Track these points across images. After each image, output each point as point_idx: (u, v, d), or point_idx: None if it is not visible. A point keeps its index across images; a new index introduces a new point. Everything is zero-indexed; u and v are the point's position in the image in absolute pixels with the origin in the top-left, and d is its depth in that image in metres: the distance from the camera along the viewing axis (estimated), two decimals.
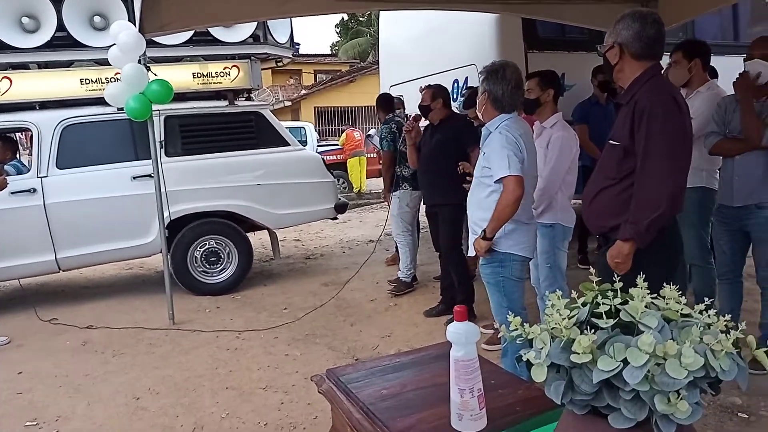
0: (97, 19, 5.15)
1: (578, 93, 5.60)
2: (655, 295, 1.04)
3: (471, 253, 2.93)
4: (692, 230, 3.34)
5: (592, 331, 0.97)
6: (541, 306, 3.48)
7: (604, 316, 0.98)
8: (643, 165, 2.08)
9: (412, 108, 5.69)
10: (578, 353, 0.93)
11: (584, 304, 1.05)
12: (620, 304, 1.01)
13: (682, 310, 0.99)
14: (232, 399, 3.22)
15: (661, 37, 2.17)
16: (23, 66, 5.16)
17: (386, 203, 5.28)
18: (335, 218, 6.18)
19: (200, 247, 5.28)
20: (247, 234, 5.55)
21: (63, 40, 5.05)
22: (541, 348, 1.00)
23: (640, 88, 2.14)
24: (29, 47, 4.99)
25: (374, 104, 5.59)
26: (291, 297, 5.19)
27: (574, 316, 1.01)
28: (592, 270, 1.19)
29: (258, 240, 6.51)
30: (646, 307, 0.97)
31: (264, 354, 3.87)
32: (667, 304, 1.01)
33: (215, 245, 5.34)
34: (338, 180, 11.42)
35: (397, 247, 5.89)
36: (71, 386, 3.51)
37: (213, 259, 5.34)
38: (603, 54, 2.28)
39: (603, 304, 1.00)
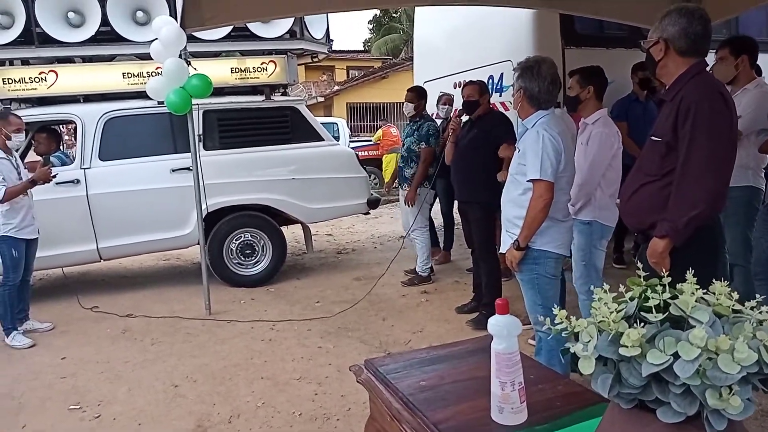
0: (139, 14, 5.27)
1: (617, 90, 5.48)
2: (704, 290, 1.03)
3: (503, 249, 2.92)
4: (737, 229, 3.26)
5: (641, 324, 0.96)
6: (582, 306, 3.44)
7: (653, 310, 0.98)
8: (685, 162, 2.04)
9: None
10: (627, 346, 0.93)
11: (632, 299, 1.04)
12: (670, 298, 1.00)
13: (733, 305, 0.98)
14: (267, 389, 3.28)
15: (708, 34, 2.13)
16: (68, 60, 5.32)
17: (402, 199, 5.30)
18: (367, 213, 6.22)
19: (236, 240, 5.38)
20: (281, 228, 5.62)
21: (107, 34, 5.19)
22: (588, 341, 1.00)
23: (686, 85, 2.10)
24: (75, 41, 5.14)
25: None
26: (323, 290, 5.24)
27: (622, 309, 1.01)
28: (639, 265, 1.18)
29: (291, 234, 6.58)
30: (696, 301, 0.96)
31: (298, 345, 3.92)
32: (717, 299, 1.00)
33: (250, 238, 5.43)
34: (370, 176, 11.45)
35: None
36: (112, 372, 3.62)
37: (248, 251, 5.43)
38: (647, 49, 2.24)
39: (652, 298, 1.00)
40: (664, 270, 2.04)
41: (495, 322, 1.37)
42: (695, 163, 2.03)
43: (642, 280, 1.08)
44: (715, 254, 2.25)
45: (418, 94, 5.29)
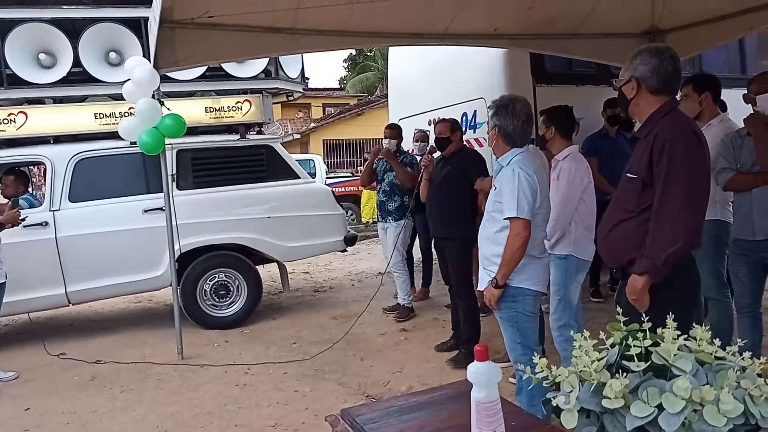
0: (112, 55, 5.24)
1: (586, 126, 5.60)
2: (685, 335, 1.01)
3: (481, 287, 2.90)
4: (708, 264, 3.29)
5: (623, 374, 0.94)
6: (557, 342, 3.41)
7: (635, 358, 0.95)
8: (663, 198, 2.06)
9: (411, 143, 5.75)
10: (610, 398, 0.90)
11: (612, 346, 1.02)
12: (651, 345, 0.98)
13: (715, 352, 0.96)
14: None
15: (678, 72, 2.18)
16: (39, 101, 5.25)
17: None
18: (344, 251, 6.17)
19: (210, 280, 5.26)
20: (257, 267, 5.53)
21: (79, 75, 5.14)
22: (570, 392, 0.97)
23: (659, 122, 2.13)
24: (46, 83, 5.08)
25: (382, 137, 5.56)
26: (300, 331, 5.13)
27: (604, 358, 0.98)
28: (618, 309, 1.16)
29: (267, 273, 6.48)
30: (678, 349, 0.94)
31: (273, 390, 3.81)
32: (699, 345, 0.98)
33: (224, 278, 5.32)
34: (347, 212, 11.44)
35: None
36: (78, 423, 3.46)
37: (222, 292, 5.32)
38: (618, 88, 2.28)
39: (634, 345, 0.97)
40: (643, 307, 2.07)
41: (475, 370, 1.33)
42: (672, 199, 2.05)
43: (622, 325, 1.06)
44: (693, 290, 2.26)
45: (399, 131, 5.47)
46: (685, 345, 0.98)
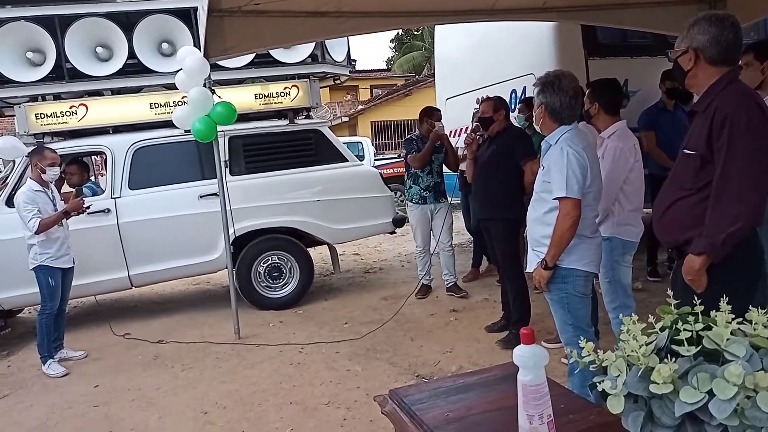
0: (164, 45, 5.40)
1: (643, 99, 5.40)
2: (740, 318, 0.97)
3: (530, 268, 2.86)
4: None
5: (673, 359, 0.91)
6: (613, 324, 3.34)
7: (685, 342, 0.93)
8: (723, 176, 1.96)
9: (467, 120, 5.65)
10: (658, 383, 0.88)
11: (662, 329, 0.99)
12: (702, 329, 0.95)
13: None
14: (296, 414, 3.26)
15: (739, 42, 2.06)
16: (98, 93, 5.47)
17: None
18: (393, 232, 6.20)
19: (263, 263, 5.41)
20: (308, 249, 5.63)
21: (134, 67, 5.33)
22: (617, 376, 0.95)
23: (718, 95, 2.03)
24: (103, 75, 5.29)
25: (417, 120, 5.55)
26: (351, 311, 5.22)
27: (652, 342, 0.96)
28: (669, 292, 1.12)
29: (318, 255, 6.60)
30: (731, 333, 0.91)
31: (326, 369, 3.90)
32: (755, 329, 0.94)
33: (278, 260, 5.45)
34: (395, 193, 11.45)
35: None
36: (144, 400, 3.65)
37: (276, 274, 5.45)
38: (674, 59, 2.17)
39: (684, 330, 0.95)
40: (700, 288, 2.00)
41: (521, 353, 1.32)
42: (734, 176, 1.95)
43: (673, 308, 1.03)
44: (755, 269, 2.15)
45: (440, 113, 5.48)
46: (739, 329, 0.94)
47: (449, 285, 5.47)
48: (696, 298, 1.09)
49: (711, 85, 2.08)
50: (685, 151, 2.15)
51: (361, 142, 14.65)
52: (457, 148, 5.51)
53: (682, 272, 2.09)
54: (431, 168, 5.30)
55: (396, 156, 14.61)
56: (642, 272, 5.04)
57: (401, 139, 18.73)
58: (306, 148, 5.67)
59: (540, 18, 5.05)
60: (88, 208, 4.51)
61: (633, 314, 1.07)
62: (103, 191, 5.30)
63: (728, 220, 1.95)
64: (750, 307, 1.00)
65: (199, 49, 4.40)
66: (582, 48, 5.67)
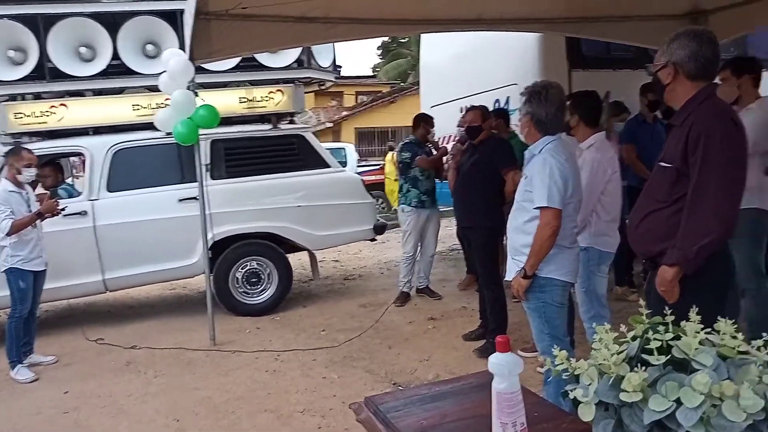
0: (149, 47, 5.35)
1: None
2: (709, 329, 0.98)
3: (509, 277, 2.87)
4: (744, 253, 3.17)
5: (643, 368, 0.91)
6: (588, 334, 3.36)
7: (655, 352, 0.93)
8: (697, 189, 1.99)
9: (449, 128, 5.69)
10: (628, 391, 0.88)
11: (634, 339, 1.00)
12: (672, 339, 0.96)
13: (739, 346, 0.93)
14: (270, 422, 3.22)
15: (717, 57, 2.09)
16: (79, 93, 5.39)
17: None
18: (374, 240, 6.19)
19: (242, 268, 5.35)
20: (287, 255, 5.59)
21: (117, 67, 5.26)
22: (589, 384, 0.95)
23: (695, 109, 2.06)
24: (85, 75, 5.22)
25: (411, 126, 5.63)
26: (329, 318, 5.18)
27: (623, 351, 0.96)
28: (641, 302, 1.13)
29: (297, 261, 6.56)
30: (700, 343, 0.91)
31: (302, 376, 3.86)
32: (722, 339, 0.95)
33: (256, 266, 5.40)
34: (377, 200, 11.44)
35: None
36: (114, 406, 3.58)
37: (254, 279, 5.40)
38: (654, 73, 2.20)
39: (654, 339, 0.95)
40: (672, 299, 2.02)
41: (496, 361, 1.32)
42: (707, 190, 1.98)
43: (645, 317, 1.04)
44: (725, 281, 2.19)
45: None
46: (707, 339, 0.95)
47: (421, 287, 5.57)
48: (668, 309, 1.10)
49: (688, 99, 2.11)
50: (661, 163, 2.18)
51: (344, 148, 14.62)
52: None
53: (655, 283, 2.11)
54: (429, 173, 5.34)
55: (380, 163, 14.61)
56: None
57: (384, 145, 18.76)
58: (288, 153, 5.65)
59: (525, 29, 5.11)
60: (63, 210, 4.42)
61: (606, 323, 1.07)
62: (80, 193, 5.22)
63: (701, 233, 1.98)
64: (718, 318, 1.01)
65: (185, 52, 4.36)
66: (566, 59, 5.74)
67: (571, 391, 0.97)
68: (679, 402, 0.84)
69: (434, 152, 5.36)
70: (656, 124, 4.92)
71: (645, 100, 4.96)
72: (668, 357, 0.92)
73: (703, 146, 1.98)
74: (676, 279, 2.03)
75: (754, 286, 3.27)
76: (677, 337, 0.95)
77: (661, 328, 0.99)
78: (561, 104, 2.75)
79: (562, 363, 1.04)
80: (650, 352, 0.94)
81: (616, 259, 3.56)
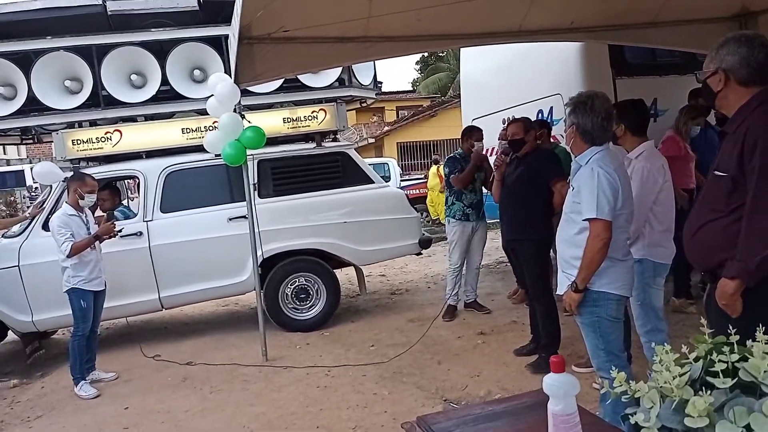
0: (197, 72, 5.56)
1: (672, 117, 5.32)
2: None
3: (560, 291, 2.81)
4: None
5: (708, 391, 0.89)
6: (645, 348, 3.26)
7: (720, 374, 0.90)
8: (756, 197, 1.92)
9: (492, 141, 5.64)
10: (693, 417, 0.85)
11: (696, 360, 0.97)
12: (738, 360, 0.92)
13: None
14: None
15: None
16: (132, 119, 5.63)
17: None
18: (419, 254, 6.19)
19: (291, 284, 5.43)
20: (335, 270, 5.65)
21: (166, 93, 5.49)
22: (650, 408, 0.93)
23: (750, 115, 1.99)
24: (137, 102, 5.46)
25: (457, 137, 5.67)
26: (378, 333, 5.20)
27: (686, 373, 0.93)
28: (698, 314, 1.10)
29: (345, 276, 6.61)
30: None
31: (353, 392, 3.88)
32: None
33: (305, 282, 5.48)
34: (421, 214, 11.44)
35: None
36: (173, 422, 3.68)
37: (303, 295, 5.48)
38: (703, 80, 2.15)
39: (719, 361, 0.92)
40: (735, 313, 1.95)
41: (551, 382, 1.30)
42: (766, 199, 1.91)
43: (707, 337, 1.01)
44: None
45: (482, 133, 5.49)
46: None
47: (469, 301, 5.55)
48: (731, 324, 1.06)
49: (741, 106, 2.05)
50: (716, 172, 2.11)
51: (387, 163, 14.73)
52: None
53: (715, 296, 2.04)
54: (474, 186, 5.32)
55: (422, 177, 14.63)
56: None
57: (427, 159, 18.80)
58: (332, 171, 5.73)
59: (567, 38, 5.05)
60: (119, 231, 4.61)
61: (666, 342, 1.05)
62: (135, 215, 5.42)
63: (762, 243, 1.90)
64: None
65: (230, 76, 4.51)
66: (609, 67, 5.63)
67: (632, 415, 0.95)
68: (749, 428, 0.82)
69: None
70: (708, 130, 4.76)
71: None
72: (735, 380, 0.89)
73: (761, 153, 1.91)
74: (737, 292, 1.96)
75: None
76: (744, 358, 0.92)
77: (725, 348, 0.96)
78: (607, 114, 2.69)
79: (621, 385, 1.02)
80: (715, 374, 0.91)
81: (673, 270, 3.45)
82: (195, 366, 4.71)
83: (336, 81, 5.84)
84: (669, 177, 3.21)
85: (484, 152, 5.34)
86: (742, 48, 2.02)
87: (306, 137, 5.83)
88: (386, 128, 23.16)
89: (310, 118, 5.76)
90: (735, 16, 4.42)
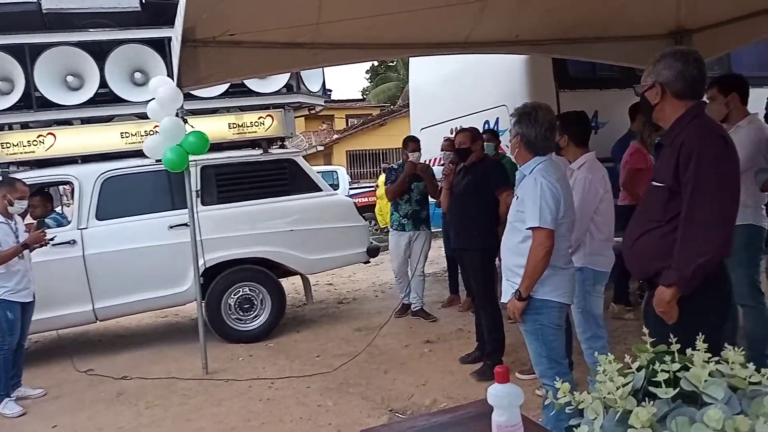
0: (137, 75, 5.35)
1: (612, 130, 5.51)
2: (716, 357, 0.95)
3: (504, 299, 2.84)
4: (740, 270, 3.16)
5: (650, 401, 0.88)
6: (585, 354, 3.32)
7: (662, 384, 0.90)
8: (691, 207, 1.98)
9: (437, 151, 5.70)
10: (636, 428, 0.84)
11: (639, 369, 0.97)
12: (679, 369, 0.92)
13: (750, 376, 0.90)
14: None
15: (703, 76, 2.11)
16: (67, 122, 5.36)
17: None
18: (367, 262, 6.16)
19: (234, 294, 5.28)
20: (280, 279, 5.54)
21: (105, 96, 5.25)
22: (594, 419, 0.92)
23: (685, 128, 2.06)
24: (73, 104, 5.20)
25: (401, 148, 5.70)
26: (324, 344, 5.11)
27: (629, 383, 0.93)
28: (634, 319, 1.10)
29: (291, 285, 6.49)
30: (709, 374, 0.88)
31: (297, 405, 3.79)
32: (732, 369, 0.92)
33: (249, 292, 5.33)
34: (369, 222, 11.43)
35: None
36: None
37: (246, 306, 5.33)
38: (641, 93, 2.21)
39: (661, 371, 0.92)
40: (671, 319, 2.00)
41: (495, 392, 1.28)
42: (701, 208, 1.97)
43: (649, 346, 1.01)
44: (724, 300, 2.17)
45: (419, 143, 5.59)
46: (717, 369, 0.92)
47: (416, 309, 5.57)
48: (669, 332, 1.07)
49: (678, 118, 2.12)
50: (654, 183, 2.17)
51: (336, 171, 14.68)
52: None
53: (653, 304, 2.09)
54: (410, 196, 5.38)
55: (371, 185, 14.64)
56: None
57: (377, 168, 18.85)
58: (279, 178, 5.63)
59: (513, 51, 5.15)
60: (51, 240, 4.36)
61: (606, 348, 1.04)
62: (69, 222, 5.15)
63: (697, 252, 1.96)
64: (725, 344, 0.99)
65: (173, 79, 4.35)
66: (553, 80, 5.78)
67: (576, 427, 0.94)
68: None
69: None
70: None
71: (640, 122, 4.96)
72: (677, 390, 0.89)
73: (695, 165, 1.98)
74: (674, 300, 2.01)
75: (753, 302, 3.26)
76: (685, 368, 0.93)
77: (667, 357, 0.96)
78: (550, 125, 2.75)
79: (565, 395, 1.01)
80: (657, 384, 0.91)
81: (614, 277, 3.55)
82: (130, 380, 4.49)
83: (284, 87, 5.74)
84: (609, 188, 3.31)
85: (426, 162, 5.39)
86: (677, 63, 2.09)
87: (252, 143, 5.71)
88: (335, 136, 23.11)
89: (256, 124, 5.65)
90: (671, 33, 4.61)
